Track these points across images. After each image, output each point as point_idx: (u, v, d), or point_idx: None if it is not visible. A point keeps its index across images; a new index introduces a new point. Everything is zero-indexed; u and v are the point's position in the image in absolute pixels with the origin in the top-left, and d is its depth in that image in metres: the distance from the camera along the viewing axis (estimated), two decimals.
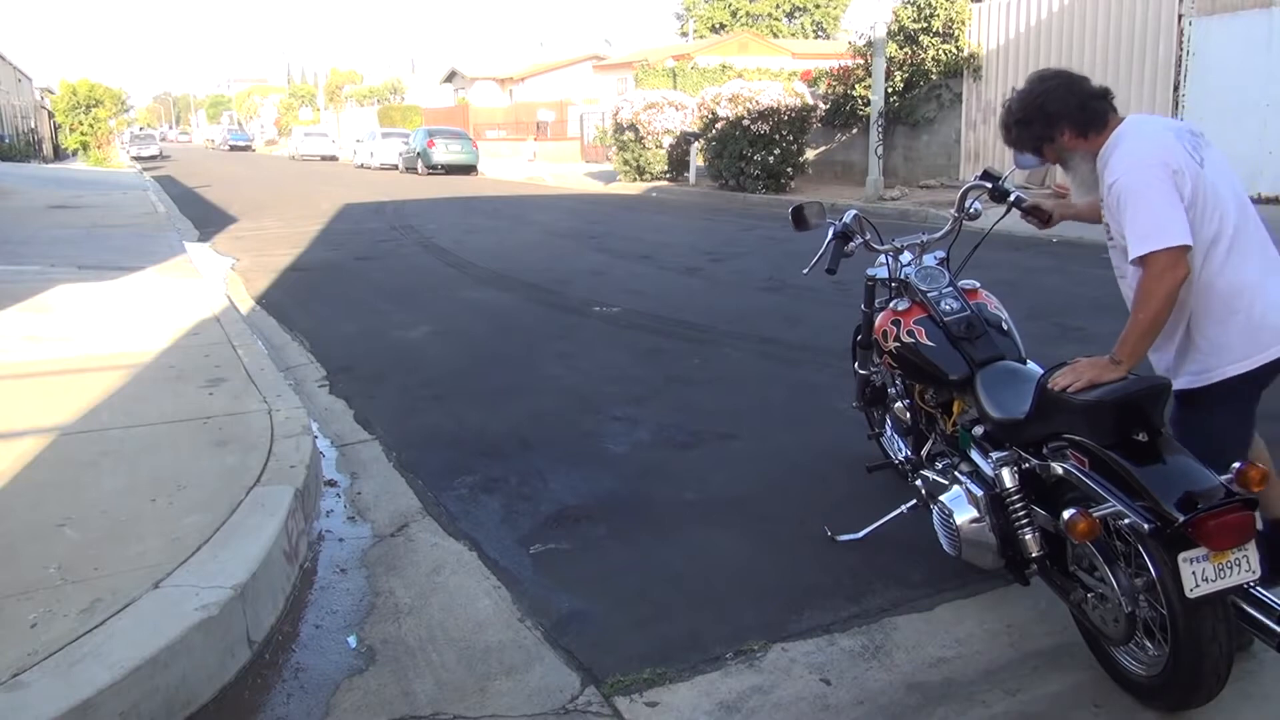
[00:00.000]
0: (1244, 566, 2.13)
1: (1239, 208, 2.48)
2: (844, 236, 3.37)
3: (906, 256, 3.27)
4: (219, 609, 2.49)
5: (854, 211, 3.45)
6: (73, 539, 2.92)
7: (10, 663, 2.23)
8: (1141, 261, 2.36)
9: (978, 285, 3.15)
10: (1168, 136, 2.48)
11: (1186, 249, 2.34)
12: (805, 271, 3.46)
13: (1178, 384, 2.54)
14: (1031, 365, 2.85)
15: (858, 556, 3.23)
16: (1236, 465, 2.16)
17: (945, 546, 2.85)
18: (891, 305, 3.18)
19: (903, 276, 3.20)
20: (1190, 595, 2.11)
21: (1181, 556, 2.11)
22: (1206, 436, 2.47)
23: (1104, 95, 2.58)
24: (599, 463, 4.20)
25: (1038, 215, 3.08)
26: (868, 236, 3.41)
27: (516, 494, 3.85)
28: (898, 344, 3.07)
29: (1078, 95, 2.56)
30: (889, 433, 3.64)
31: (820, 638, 2.75)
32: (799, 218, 3.42)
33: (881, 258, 3.36)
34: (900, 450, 3.45)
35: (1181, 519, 2.07)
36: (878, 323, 3.25)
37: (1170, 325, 2.48)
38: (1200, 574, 2.11)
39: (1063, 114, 2.55)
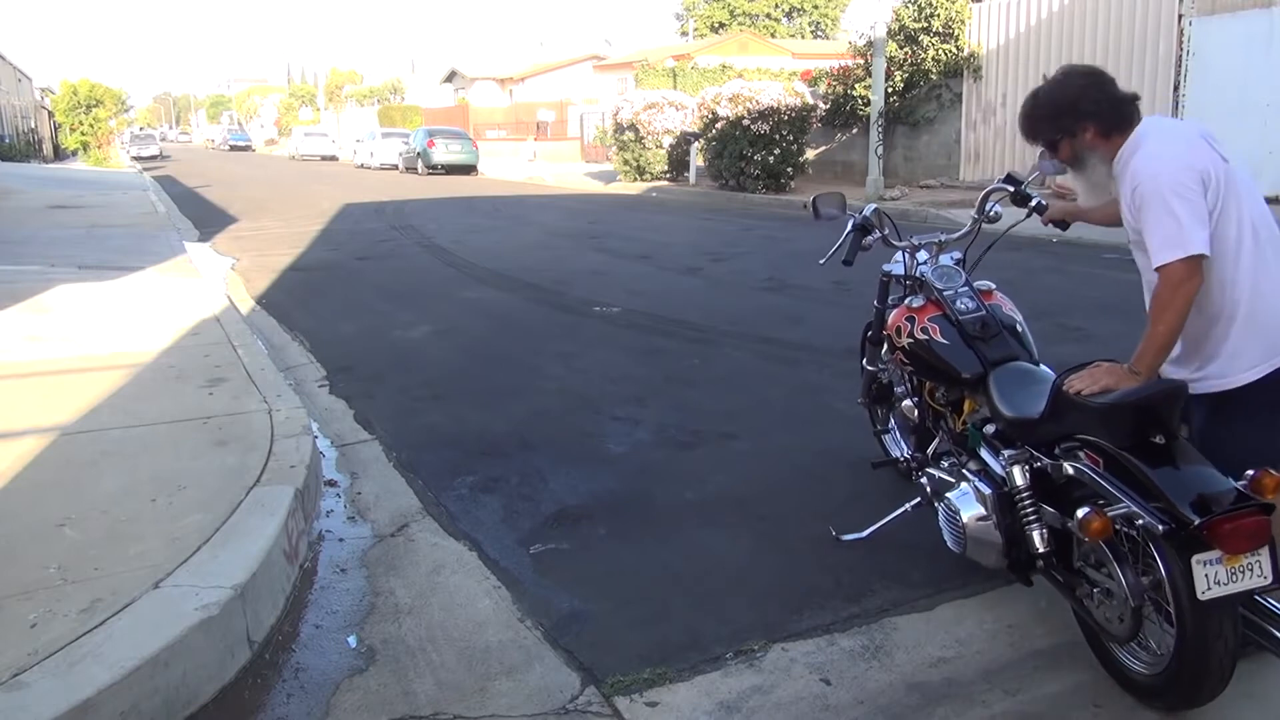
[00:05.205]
0: (1257, 571, 2.13)
1: (1260, 208, 2.46)
2: (863, 229, 3.40)
3: (923, 254, 3.28)
4: (219, 609, 2.49)
5: (874, 205, 3.50)
6: (73, 539, 2.92)
7: (10, 663, 2.23)
8: (1160, 271, 2.34)
9: (993, 287, 3.15)
10: (1192, 135, 2.46)
11: (1202, 259, 2.32)
12: (822, 262, 3.50)
13: (1200, 388, 2.48)
14: (1044, 368, 2.85)
15: (858, 556, 3.23)
16: (1251, 472, 2.15)
17: (950, 544, 2.85)
18: (906, 302, 3.18)
19: (918, 274, 3.21)
20: (1202, 598, 2.11)
21: (1195, 559, 2.11)
22: (1228, 447, 2.40)
23: (1134, 100, 2.56)
24: (599, 462, 4.20)
25: (1059, 224, 3.07)
26: (886, 231, 3.43)
27: (516, 494, 3.85)
28: (910, 340, 3.06)
29: (1110, 96, 2.54)
30: (893, 430, 3.65)
31: (820, 638, 2.75)
32: (819, 208, 3.45)
33: (898, 254, 3.38)
34: (905, 448, 3.46)
35: (1197, 521, 2.07)
36: (891, 319, 3.26)
37: (1199, 330, 2.45)
38: (1213, 576, 2.11)
39: (1095, 112, 2.52)
